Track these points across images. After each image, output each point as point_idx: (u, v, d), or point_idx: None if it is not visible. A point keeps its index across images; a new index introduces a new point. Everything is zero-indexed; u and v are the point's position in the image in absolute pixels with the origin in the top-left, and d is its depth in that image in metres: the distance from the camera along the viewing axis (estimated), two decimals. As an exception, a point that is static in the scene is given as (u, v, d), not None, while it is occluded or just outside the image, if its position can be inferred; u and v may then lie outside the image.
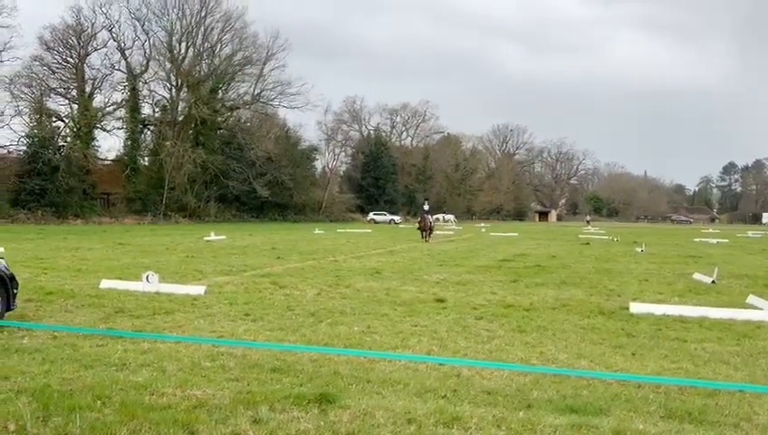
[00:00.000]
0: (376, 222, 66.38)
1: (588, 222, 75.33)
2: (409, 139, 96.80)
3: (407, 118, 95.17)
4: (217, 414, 4.41)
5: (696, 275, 14.39)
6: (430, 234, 29.34)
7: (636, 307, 9.35)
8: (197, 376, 5.35)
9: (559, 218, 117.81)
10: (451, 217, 73.80)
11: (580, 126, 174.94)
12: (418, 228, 29.73)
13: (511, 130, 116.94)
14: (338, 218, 67.96)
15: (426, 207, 29.95)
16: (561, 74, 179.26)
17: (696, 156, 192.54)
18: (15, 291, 7.41)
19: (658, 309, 9.24)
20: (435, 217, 72.99)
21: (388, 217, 69.99)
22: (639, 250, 24.02)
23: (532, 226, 77.47)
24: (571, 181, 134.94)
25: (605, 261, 19.44)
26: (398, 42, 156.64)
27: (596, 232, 48.02)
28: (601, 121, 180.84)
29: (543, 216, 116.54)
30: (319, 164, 74.59)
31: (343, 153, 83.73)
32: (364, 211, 73.40)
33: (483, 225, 62.57)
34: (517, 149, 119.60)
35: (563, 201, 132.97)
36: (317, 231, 38.45)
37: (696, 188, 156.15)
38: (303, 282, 12.20)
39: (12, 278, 7.30)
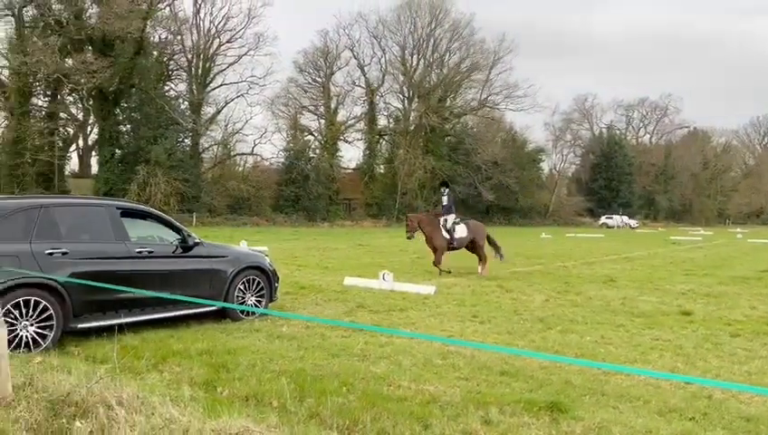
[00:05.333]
0: (608, 226, 62.36)
1: None
2: (647, 136, 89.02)
3: (645, 113, 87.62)
4: (449, 411, 4.57)
5: None
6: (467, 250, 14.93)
7: None
8: (430, 372, 5.60)
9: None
10: (632, 221, 64.90)
11: None
12: (430, 246, 14.53)
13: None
14: (566, 222, 65.21)
15: (445, 199, 14.65)
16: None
17: None
18: (277, 284, 8.61)
19: None
20: (600, 220, 63.43)
21: (618, 220, 64.90)
22: None
23: (805, 232, 65.78)
24: None
25: None
26: (630, 33, 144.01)
27: None
28: None
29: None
30: (545, 166, 72.44)
31: (572, 154, 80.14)
32: (594, 214, 69.42)
33: (739, 230, 54.93)
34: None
35: None
36: (544, 235, 37.46)
37: None
38: (530, 287, 12.00)
39: (274, 273, 8.48)
